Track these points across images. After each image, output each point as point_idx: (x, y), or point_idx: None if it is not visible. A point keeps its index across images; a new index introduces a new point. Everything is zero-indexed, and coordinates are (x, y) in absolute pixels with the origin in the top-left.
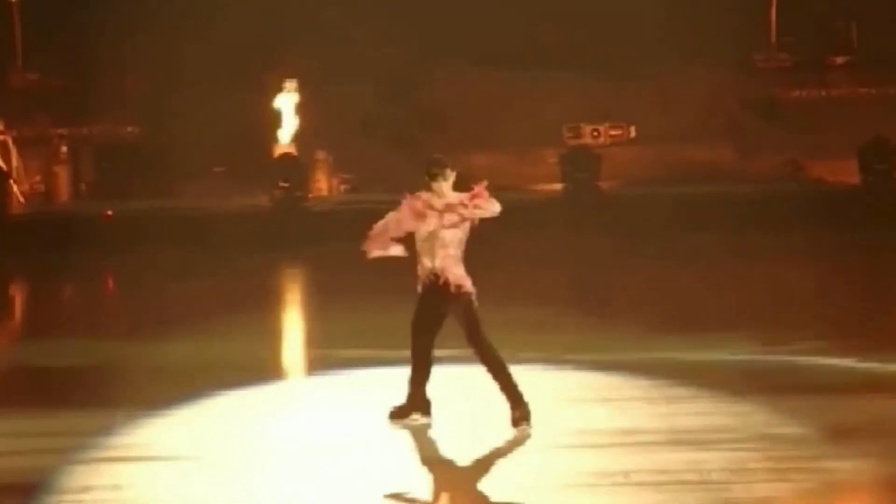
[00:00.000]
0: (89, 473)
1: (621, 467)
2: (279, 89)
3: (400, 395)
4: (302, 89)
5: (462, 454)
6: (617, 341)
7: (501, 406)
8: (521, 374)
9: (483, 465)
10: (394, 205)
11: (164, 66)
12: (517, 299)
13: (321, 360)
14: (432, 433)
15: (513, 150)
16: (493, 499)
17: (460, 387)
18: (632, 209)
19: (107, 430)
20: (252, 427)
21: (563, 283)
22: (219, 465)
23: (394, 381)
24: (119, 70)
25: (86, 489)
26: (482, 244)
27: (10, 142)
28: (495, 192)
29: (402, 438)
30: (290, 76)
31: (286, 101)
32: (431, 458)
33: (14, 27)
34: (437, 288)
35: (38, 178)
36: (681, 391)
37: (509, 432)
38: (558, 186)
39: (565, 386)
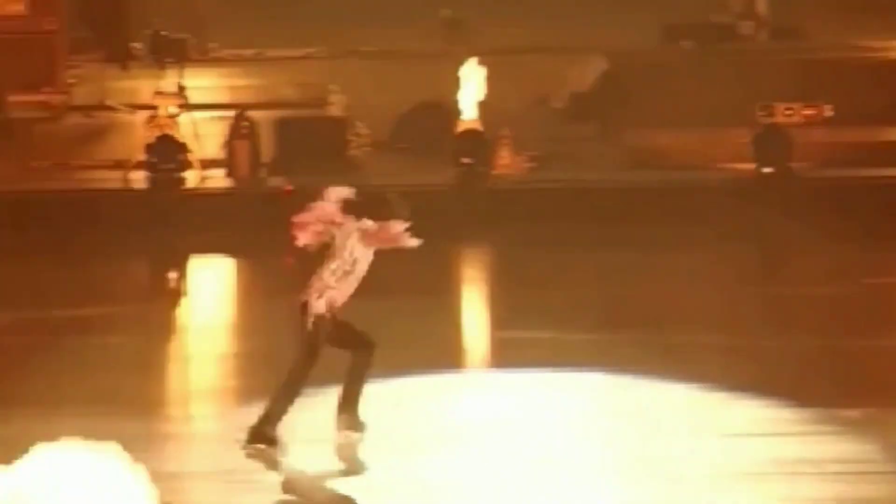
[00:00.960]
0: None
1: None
2: (463, 61)
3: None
4: (486, 61)
5: (644, 444)
6: None
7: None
8: None
9: (666, 450)
10: (576, 183)
11: (346, 37)
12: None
13: (503, 342)
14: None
15: (701, 128)
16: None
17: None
18: (828, 192)
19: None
20: (435, 409)
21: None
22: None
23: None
24: (301, 40)
25: (264, 471)
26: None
27: (191, 115)
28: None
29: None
30: (475, 47)
31: (470, 74)
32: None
33: None
34: None
35: (218, 151)
36: None
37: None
38: (749, 167)
39: None
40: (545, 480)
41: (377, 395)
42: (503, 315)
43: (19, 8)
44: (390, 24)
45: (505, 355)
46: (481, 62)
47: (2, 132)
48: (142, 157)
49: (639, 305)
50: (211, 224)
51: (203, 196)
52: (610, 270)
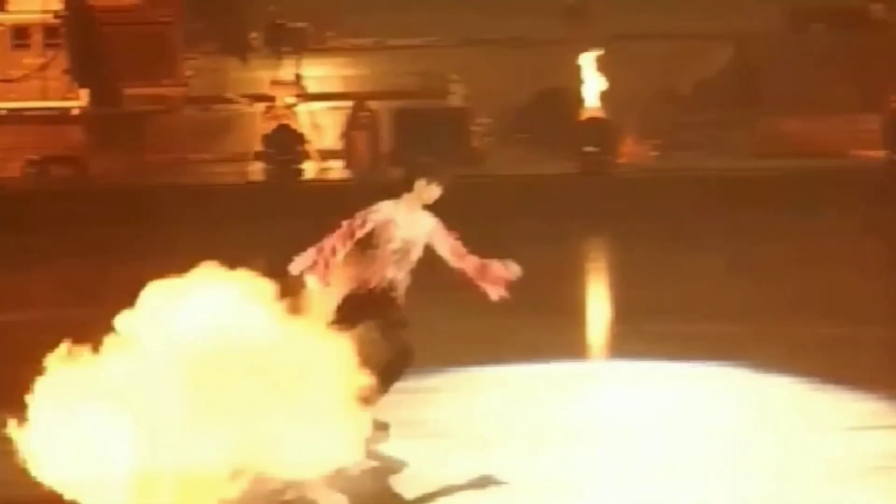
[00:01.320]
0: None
1: None
2: (586, 48)
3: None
4: (610, 48)
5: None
6: None
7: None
8: None
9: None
10: (702, 171)
11: (467, 25)
12: None
13: (628, 335)
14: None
15: (831, 114)
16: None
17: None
18: None
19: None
20: (564, 402)
21: None
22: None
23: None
24: (418, 26)
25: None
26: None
27: (309, 106)
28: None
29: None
30: (599, 33)
31: (593, 61)
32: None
33: None
34: None
35: (336, 143)
36: None
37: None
38: (880, 154)
39: None
40: (665, 475)
41: (509, 383)
42: (628, 307)
43: None
44: (511, 11)
45: (630, 348)
46: (605, 49)
47: (118, 126)
48: (259, 148)
49: (765, 297)
50: (328, 215)
51: (322, 187)
52: (737, 261)
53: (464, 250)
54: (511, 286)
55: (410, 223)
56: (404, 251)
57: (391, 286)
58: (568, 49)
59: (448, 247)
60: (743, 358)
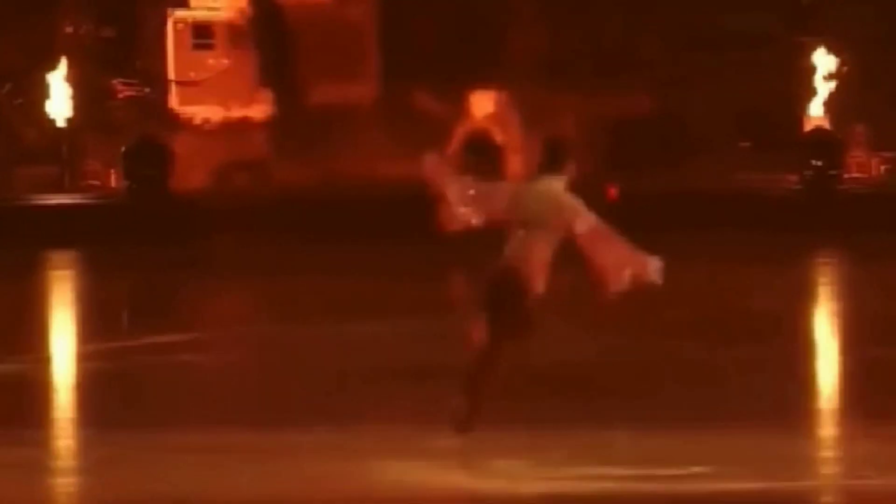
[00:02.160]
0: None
1: None
2: (811, 52)
3: None
4: (838, 53)
5: None
6: None
7: None
8: None
9: None
10: None
11: (681, 23)
12: None
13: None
14: None
15: None
16: None
17: None
18: None
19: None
20: None
21: None
22: None
23: None
24: (631, 30)
25: None
26: None
27: (508, 113)
28: None
29: None
30: (826, 37)
31: (821, 65)
32: None
33: None
34: None
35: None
36: None
37: None
38: None
39: None
40: None
41: None
42: (862, 330)
43: None
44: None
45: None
46: (833, 52)
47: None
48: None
49: None
50: None
51: None
52: None
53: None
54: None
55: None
56: None
57: None
58: (792, 52)
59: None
60: None
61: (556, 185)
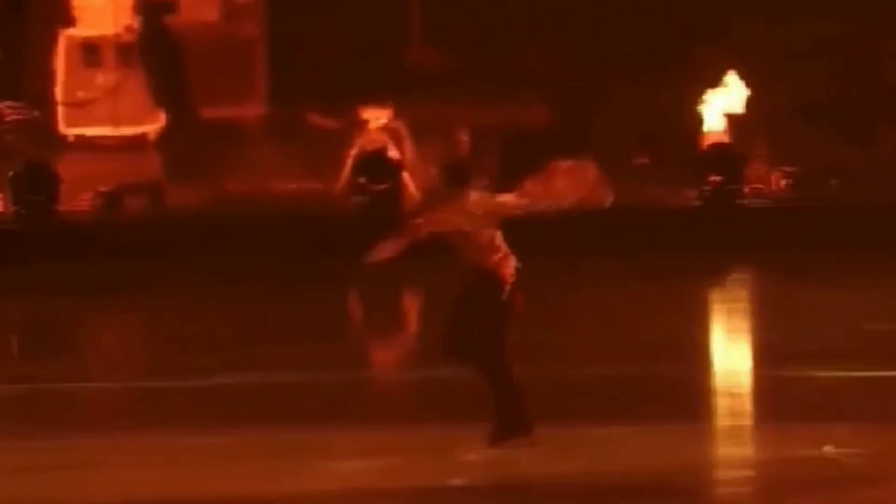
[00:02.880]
0: None
1: None
2: (712, 66)
3: None
4: (739, 67)
5: None
6: None
7: None
8: None
9: None
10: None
11: (576, 38)
12: None
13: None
14: None
15: None
16: None
17: None
18: None
19: None
20: None
21: None
22: None
23: None
24: (525, 43)
25: None
26: None
27: (402, 129)
28: None
29: None
30: (727, 51)
31: (720, 81)
32: None
33: None
34: None
35: (434, 170)
36: None
37: None
38: None
39: None
40: None
41: None
42: (765, 351)
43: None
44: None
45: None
46: (732, 66)
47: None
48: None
49: None
50: None
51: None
52: (877, 302)
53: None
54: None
55: None
56: None
57: None
58: (690, 67)
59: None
60: None
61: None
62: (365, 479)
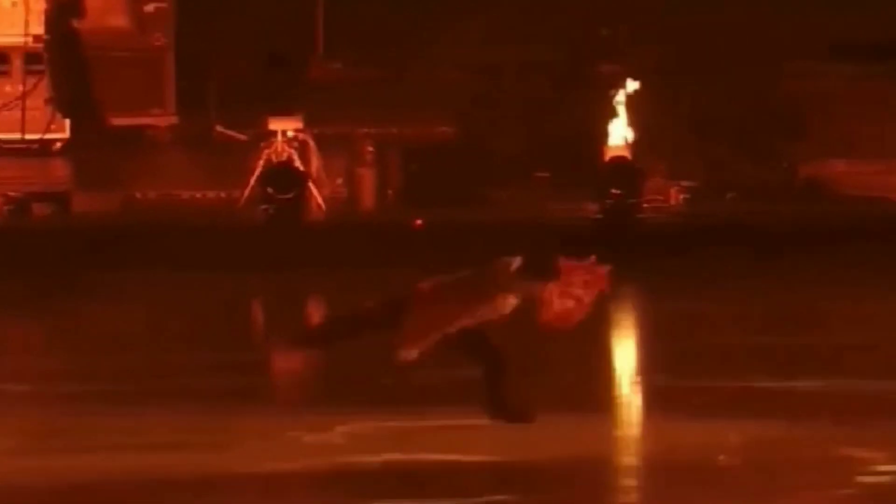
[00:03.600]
0: None
1: None
2: (612, 83)
3: None
4: (639, 84)
5: None
6: None
7: None
8: None
9: None
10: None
11: (481, 54)
12: None
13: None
14: None
15: (878, 156)
16: None
17: None
18: None
19: None
20: None
21: None
22: None
23: None
24: (433, 61)
25: None
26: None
27: (309, 140)
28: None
29: None
30: (623, 67)
31: (620, 98)
32: None
33: (316, 9)
34: None
35: (339, 180)
36: None
37: None
38: None
39: None
40: None
41: None
42: (653, 360)
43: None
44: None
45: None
46: (633, 83)
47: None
48: (256, 186)
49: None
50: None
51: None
52: (779, 313)
53: None
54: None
55: None
56: None
57: None
58: (597, 82)
59: None
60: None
61: None
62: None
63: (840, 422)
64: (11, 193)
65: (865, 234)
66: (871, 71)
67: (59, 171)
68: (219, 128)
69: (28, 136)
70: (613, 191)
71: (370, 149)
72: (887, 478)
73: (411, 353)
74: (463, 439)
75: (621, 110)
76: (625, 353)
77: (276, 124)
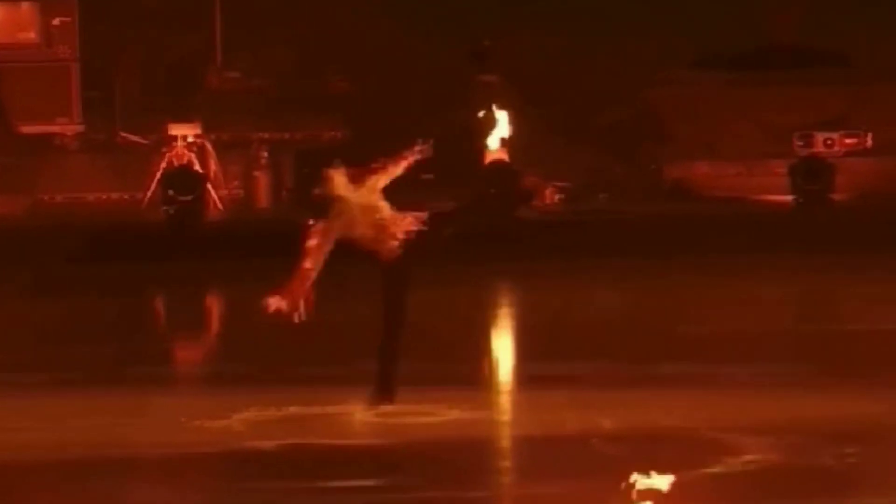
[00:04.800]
0: None
1: None
2: (493, 90)
3: None
4: (516, 90)
5: None
6: None
7: None
8: None
9: None
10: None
11: (370, 67)
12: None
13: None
14: None
15: (739, 158)
16: None
17: None
18: (869, 224)
19: None
20: None
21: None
22: None
23: None
24: (323, 71)
25: None
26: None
27: (208, 145)
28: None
29: None
30: (501, 77)
31: (498, 105)
32: None
33: (214, 22)
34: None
35: (236, 183)
36: None
37: None
38: (787, 198)
39: None
40: None
41: None
42: (528, 347)
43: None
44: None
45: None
46: (511, 90)
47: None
48: (158, 188)
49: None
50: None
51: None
52: (647, 303)
53: None
54: None
55: None
56: None
57: None
58: (472, 91)
59: None
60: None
61: None
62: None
63: (702, 405)
64: None
65: (726, 231)
66: (731, 79)
67: None
68: (122, 134)
69: None
70: (492, 191)
71: (264, 153)
72: (748, 457)
73: (278, 303)
74: (353, 426)
75: (500, 117)
76: (502, 341)
77: (176, 130)
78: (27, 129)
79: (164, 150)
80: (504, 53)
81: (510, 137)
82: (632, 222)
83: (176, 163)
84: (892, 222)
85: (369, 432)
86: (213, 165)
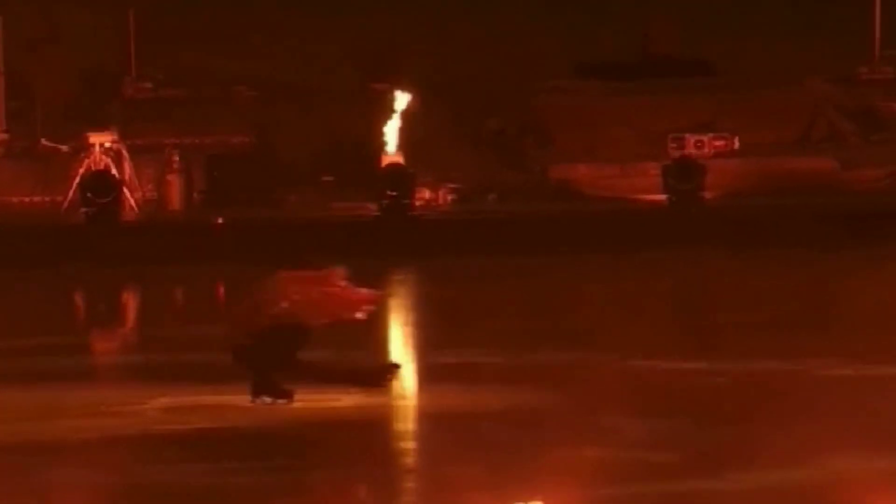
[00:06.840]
0: None
1: None
2: (388, 97)
3: None
4: (410, 97)
5: None
6: None
7: None
8: None
9: None
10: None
11: (272, 76)
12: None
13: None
14: None
15: (617, 161)
16: None
17: None
18: (737, 221)
19: None
20: None
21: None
22: None
23: None
24: (229, 79)
25: None
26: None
27: (123, 150)
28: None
29: None
30: (398, 83)
31: (395, 110)
32: None
33: (129, 36)
34: None
35: (150, 186)
36: None
37: None
38: (662, 198)
39: None
40: None
41: None
42: (430, 340)
43: None
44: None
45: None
46: (405, 95)
47: None
48: (77, 192)
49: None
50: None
51: (139, 229)
52: (532, 298)
53: None
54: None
55: None
56: None
57: None
58: (375, 96)
59: None
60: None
61: None
62: None
63: (592, 391)
64: None
65: (606, 228)
66: (610, 88)
67: None
68: (43, 141)
69: None
70: (389, 192)
71: (177, 157)
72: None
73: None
74: (264, 412)
75: (396, 122)
76: (402, 336)
77: (94, 137)
78: None
79: (82, 155)
80: (397, 61)
81: (405, 141)
82: (517, 221)
83: (94, 168)
84: (757, 219)
85: (272, 417)
86: (128, 170)
